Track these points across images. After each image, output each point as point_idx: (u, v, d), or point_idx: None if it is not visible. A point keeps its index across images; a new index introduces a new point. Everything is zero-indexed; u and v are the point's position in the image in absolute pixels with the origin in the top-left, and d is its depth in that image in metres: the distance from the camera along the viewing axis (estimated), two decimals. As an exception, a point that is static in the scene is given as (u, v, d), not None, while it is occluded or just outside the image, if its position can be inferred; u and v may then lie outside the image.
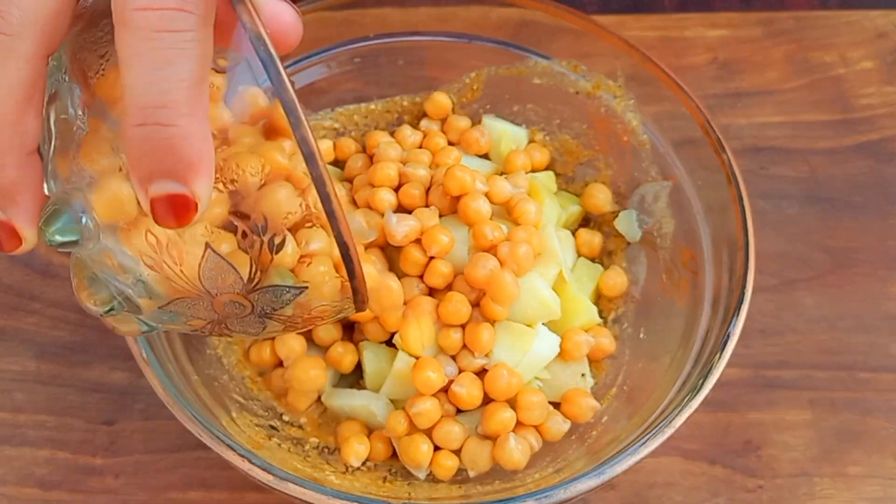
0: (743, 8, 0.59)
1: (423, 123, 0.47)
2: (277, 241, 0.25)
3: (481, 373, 0.38)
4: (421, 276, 0.39)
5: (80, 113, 0.24)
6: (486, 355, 0.38)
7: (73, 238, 0.24)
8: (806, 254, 0.48)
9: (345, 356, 0.39)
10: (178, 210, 0.22)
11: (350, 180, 0.44)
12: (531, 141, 0.47)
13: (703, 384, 0.33)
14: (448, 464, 0.37)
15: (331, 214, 0.23)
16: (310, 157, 0.23)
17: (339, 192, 0.26)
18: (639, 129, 0.43)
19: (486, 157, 0.46)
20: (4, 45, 0.23)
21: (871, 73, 0.55)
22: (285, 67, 0.23)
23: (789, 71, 0.55)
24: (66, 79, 0.25)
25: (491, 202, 0.40)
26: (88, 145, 0.24)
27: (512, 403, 0.38)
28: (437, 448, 0.38)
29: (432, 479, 0.38)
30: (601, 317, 0.42)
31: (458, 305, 0.37)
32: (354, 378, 0.41)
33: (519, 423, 0.38)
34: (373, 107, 0.48)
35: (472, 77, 0.47)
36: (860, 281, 0.47)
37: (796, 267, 0.48)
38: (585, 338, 0.39)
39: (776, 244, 0.48)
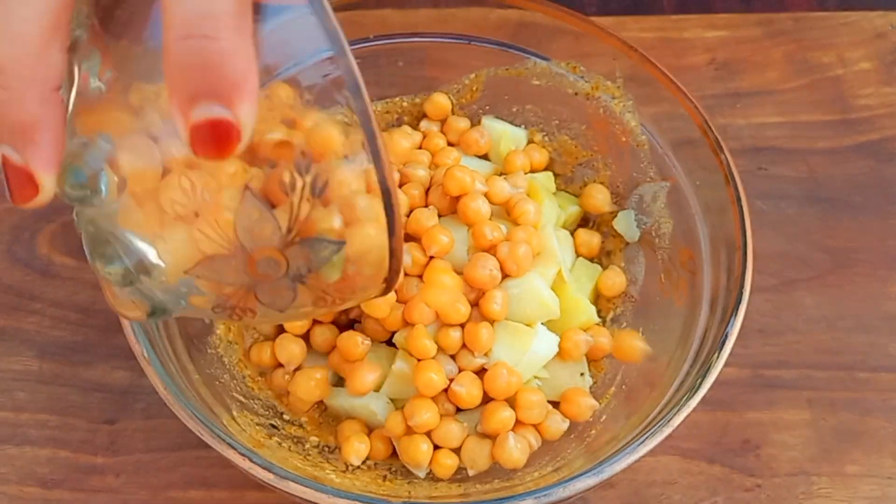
0: (742, 9, 0.59)
1: (423, 124, 0.47)
2: (321, 182, 0.23)
3: (481, 372, 0.38)
4: (421, 276, 0.39)
5: (101, 60, 0.23)
6: (486, 355, 0.38)
7: (91, 193, 0.23)
8: (806, 254, 0.48)
9: (345, 362, 0.39)
10: (220, 138, 0.21)
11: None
12: (530, 141, 0.47)
13: (701, 383, 0.34)
14: (448, 462, 0.37)
15: (375, 154, 0.22)
16: (354, 89, 0.21)
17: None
18: (637, 129, 0.43)
19: (485, 157, 0.46)
20: None
21: (869, 74, 0.55)
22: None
23: (788, 71, 0.55)
24: (88, 24, 0.24)
25: (490, 202, 0.40)
26: (111, 92, 0.23)
27: (511, 402, 0.38)
28: (436, 447, 0.38)
29: (432, 477, 0.38)
30: (600, 316, 0.43)
31: (457, 305, 0.37)
32: (354, 377, 0.41)
33: (518, 422, 0.38)
34: (373, 107, 0.48)
35: (471, 78, 0.47)
36: (860, 281, 0.47)
37: (796, 267, 0.48)
38: (584, 337, 0.40)
39: (776, 244, 0.48)
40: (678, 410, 0.33)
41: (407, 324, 0.38)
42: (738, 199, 0.37)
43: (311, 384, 0.38)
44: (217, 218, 0.23)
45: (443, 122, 0.47)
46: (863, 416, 0.43)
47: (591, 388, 0.40)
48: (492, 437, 0.38)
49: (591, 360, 0.41)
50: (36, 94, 0.22)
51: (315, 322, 0.41)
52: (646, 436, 0.32)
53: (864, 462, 0.42)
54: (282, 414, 0.40)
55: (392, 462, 0.39)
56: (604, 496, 0.41)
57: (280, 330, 0.41)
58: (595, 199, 0.45)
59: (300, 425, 0.40)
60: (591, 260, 0.45)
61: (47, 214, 0.48)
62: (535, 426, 0.38)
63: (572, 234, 0.45)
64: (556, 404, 0.39)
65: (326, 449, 0.39)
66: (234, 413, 0.37)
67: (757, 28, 0.57)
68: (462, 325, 0.38)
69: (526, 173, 0.44)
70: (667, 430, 0.32)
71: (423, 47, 0.46)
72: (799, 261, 0.48)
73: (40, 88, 0.22)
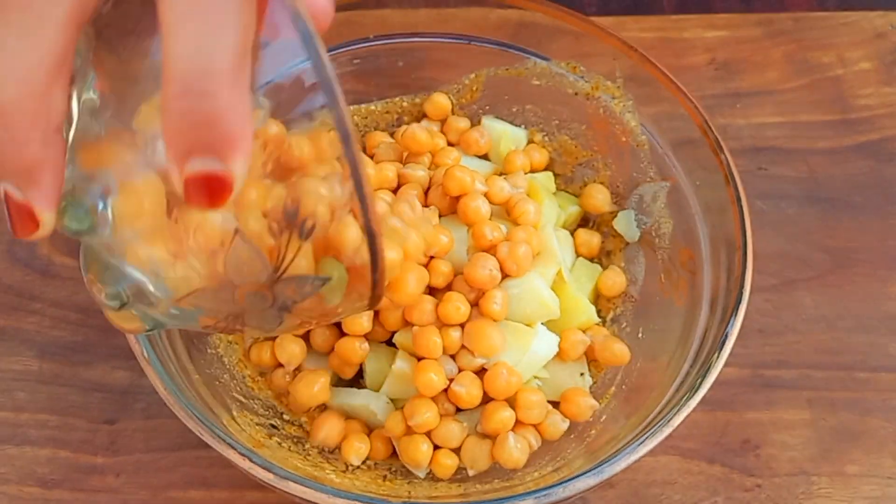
0: (742, 9, 0.59)
1: (423, 124, 0.47)
2: (308, 226, 0.24)
3: (480, 372, 0.38)
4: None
5: (101, 96, 0.24)
6: (486, 355, 0.38)
7: (90, 226, 0.23)
8: (806, 254, 0.48)
9: (345, 364, 0.39)
10: (212, 190, 0.21)
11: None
12: (530, 141, 0.47)
13: (701, 383, 0.34)
14: (447, 462, 0.37)
15: (362, 199, 0.23)
16: (345, 139, 0.22)
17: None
18: (637, 129, 0.43)
19: (485, 157, 0.46)
20: (38, 9, 0.21)
21: (869, 74, 0.55)
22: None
23: (788, 71, 0.55)
24: (91, 58, 0.24)
25: (490, 202, 0.40)
26: (110, 130, 0.23)
27: (511, 402, 0.38)
28: (436, 447, 0.38)
29: (432, 477, 0.38)
30: (600, 316, 0.43)
31: (457, 305, 0.37)
32: (354, 377, 0.41)
33: (518, 422, 0.38)
34: (373, 107, 0.48)
35: (471, 78, 0.47)
36: (860, 281, 0.47)
37: (796, 267, 0.48)
38: (583, 337, 0.40)
39: (775, 244, 0.48)
40: (678, 410, 0.33)
41: (407, 324, 0.38)
42: (739, 199, 0.37)
43: (312, 390, 0.38)
44: (208, 255, 0.24)
45: (443, 122, 0.47)
46: (863, 416, 0.43)
47: (591, 387, 0.40)
48: (492, 436, 0.38)
49: (591, 360, 0.41)
50: (38, 136, 0.22)
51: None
52: (646, 436, 0.32)
53: (864, 462, 0.42)
54: (282, 414, 0.40)
55: (392, 462, 0.39)
56: (604, 496, 0.41)
57: (280, 330, 0.41)
58: (595, 199, 0.45)
59: (300, 425, 0.40)
60: (591, 260, 0.45)
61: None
62: (536, 426, 0.38)
63: (572, 234, 0.45)
64: (555, 404, 0.39)
65: (326, 449, 0.39)
66: (234, 413, 0.37)
67: (757, 28, 0.57)
68: (462, 326, 0.38)
69: (526, 173, 0.44)
70: (667, 431, 0.32)
71: (423, 47, 0.46)
72: (799, 261, 0.48)
73: (42, 130, 0.22)
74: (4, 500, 0.40)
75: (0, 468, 0.41)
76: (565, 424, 0.38)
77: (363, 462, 0.38)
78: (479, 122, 0.47)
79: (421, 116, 0.48)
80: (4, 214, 0.23)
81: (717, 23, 0.58)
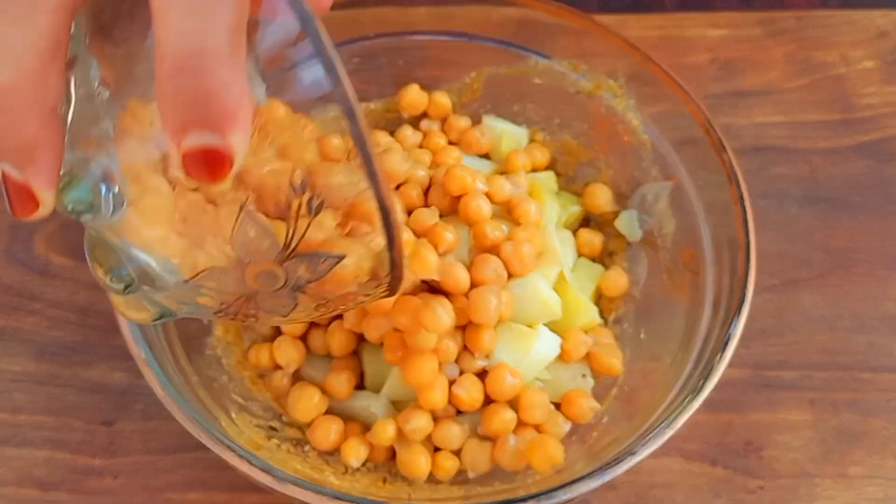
0: (743, 7, 0.59)
1: (424, 123, 0.47)
2: (316, 202, 0.24)
3: (482, 373, 0.38)
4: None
5: (99, 76, 0.24)
6: (487, 356, 0.38)
7: (90, 206, 0.23)
8: (806, 254, 0.48)
9: (343, 383, 0.39)
10: (212, 164, 0.21)
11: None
12: (532, 141, 0.47)
13: (703, 385, 0.33)
14: (448, 465, 0.37)
15: (372, 176, 0.22)
16: (350, 114, 0.22)
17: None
18: (639, 128, 0.43)
19: (486, 156, 0.46)
20: None
21: (871, 73, 0.55)
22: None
23: (790, 71, 0.55)
24: (86, 42, 0.24)
25: (491, 202, 0.40)
26: (110, 112, 0.23)
27: (512, 404, 0.37)
28: (436, 449, 0.37)
29: (432, 480, 0.38)
30: (602, 317, 0.42)
31: (438, 313, 0.37)
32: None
33: (519, 424, 0.37)
34: (373, 106, 0.48)
35: (472, 77, 0.47)
36: (860, 281, 0.47)
37: (796, 267, 0.48)
38: (586, 339, 0.39)
39: (776, 244, 0.48)
40: (680, 412, 0.33)
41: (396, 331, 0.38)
42: (742, 199, 0.37)
43: (309, 404, 0.38)
44: (215, 233, 0.24)
45: (443, 121, 0.47)
46: (865, 416, 0.43)
47: (592, 389, 0.40)
48: (493, 438, 0.37)
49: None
50: (35, 117, 0.22)
51: (312, 324, 0.40)
52: (648, 437, 0.32)
53: (866, 463, 0.42)
54: (281, 416, 0.39)
55: (392, 464, 0.39)
56: (605, 498, 0.40)
57: (278, 332, 0.41)
58: (597, 198, 0.44)
59: (299, 427, 0.39)
60: (593, 260, 0.45)
61: (45, 214, 0.48)
62: (537, 428, 0.38)
63: (574, 233, 0.44)
64: (557, 406, 0.39)
65: (326, 451, 0.39)
66: (233, 414, 0.36)
67: (758, 27, 0.57)
68: (463, 327, 0.37)
69: (527, 173, 0.44)
70: (669, 432, 0.32)
71: (423, 46, 0.46)
72: (799, 261, 0.48)
73: (39, 110, 0.22)
74: (2, 501, 0.40)
75: (-3, 470, 0.41)
76: (567, 426, 0.38)
77: (363, 464, 0.38)
78: (480, 121, 0.47)
79: (421, 115, 0.47)
80: (4, 208, 0.23)
81: (719, 21, 0.57)
